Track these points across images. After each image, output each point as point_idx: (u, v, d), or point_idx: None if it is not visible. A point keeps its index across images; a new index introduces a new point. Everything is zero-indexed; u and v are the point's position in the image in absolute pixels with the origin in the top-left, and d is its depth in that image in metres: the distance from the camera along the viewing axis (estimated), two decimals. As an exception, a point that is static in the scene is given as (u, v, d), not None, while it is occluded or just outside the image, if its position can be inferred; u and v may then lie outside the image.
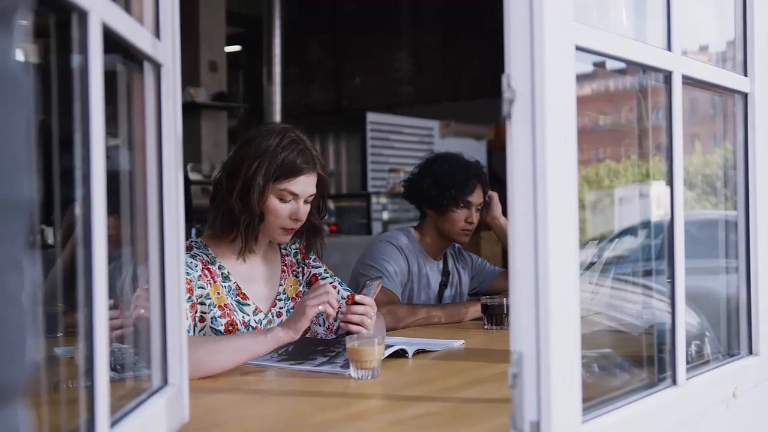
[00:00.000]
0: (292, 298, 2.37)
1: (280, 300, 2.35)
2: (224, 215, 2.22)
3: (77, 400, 1.09)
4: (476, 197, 3.03)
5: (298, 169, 2.20)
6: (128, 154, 1.36)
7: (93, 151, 1.00)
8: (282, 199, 2.21)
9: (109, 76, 1.06)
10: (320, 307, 2.00)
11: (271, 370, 2.01)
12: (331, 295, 2.03)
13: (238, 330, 2.19)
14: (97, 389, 1.01)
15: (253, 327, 2.23)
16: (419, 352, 2.20)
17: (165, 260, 1.37)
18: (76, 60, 1.01)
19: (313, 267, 2.45)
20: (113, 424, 1.09)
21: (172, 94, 1.37)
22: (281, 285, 2.36)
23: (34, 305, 0.54)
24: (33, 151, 0.54)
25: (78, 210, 1.00)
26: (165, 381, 1.37)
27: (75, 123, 1.00)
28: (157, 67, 1.34)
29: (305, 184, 2.23)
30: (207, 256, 2.24)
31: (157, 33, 1.35)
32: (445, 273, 3.17)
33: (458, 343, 2.37)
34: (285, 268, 2.39)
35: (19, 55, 0.54)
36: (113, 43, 1.11)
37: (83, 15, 0.99)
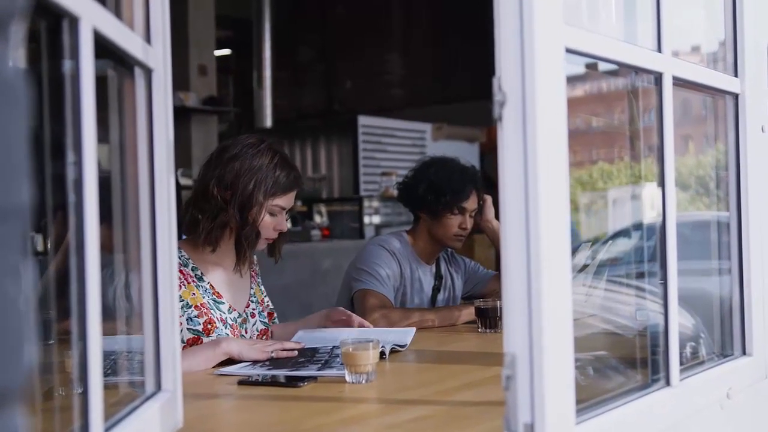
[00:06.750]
0: (260, 301, 2.49)
1: (252, 302, 2.46)
2: (219, 229, 2.29)
3: (67, 408, 1.09)
4: (471, 203, 3.03)
5: (292, 187, 2.34)
6: (119, 160, 1.36)
7: (85, 157, 1.00)
8: (272, 214, 2.33)
9: (99, 82, 1.06)
10: (273, 354, 2.16)
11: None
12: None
13: (216, 328, 2.27)
14: (90, 396, 1.00)
15: (230, 324, 2.32)
16: (394, 351, 2.24)
17: (157, 266, 1.37)
18: (66, 65, 1.01)
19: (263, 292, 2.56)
20: (107, 430, 1.09)
21: (163, 99, 1.37)
22: (251, 289, 2.48)
23: (30, 311, 0.54)
24: (30, 157, 0.54)
25: (70, 216, 1.00)
26: (158, 387, 1.37)
27: (66, 129, 1.00)
28: (148, 72, 1.34)
29: (292, 199, 2.38)
30: (180, 258, 2.28)
31: (147, 38, 1.34)
32: (438, 277, 3.17)
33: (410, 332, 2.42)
34: (253, 274, 2.52)
35: (16, 61, 0.54)
36: (103, 48, 1.10)
37: (74, 21, 0.99)
